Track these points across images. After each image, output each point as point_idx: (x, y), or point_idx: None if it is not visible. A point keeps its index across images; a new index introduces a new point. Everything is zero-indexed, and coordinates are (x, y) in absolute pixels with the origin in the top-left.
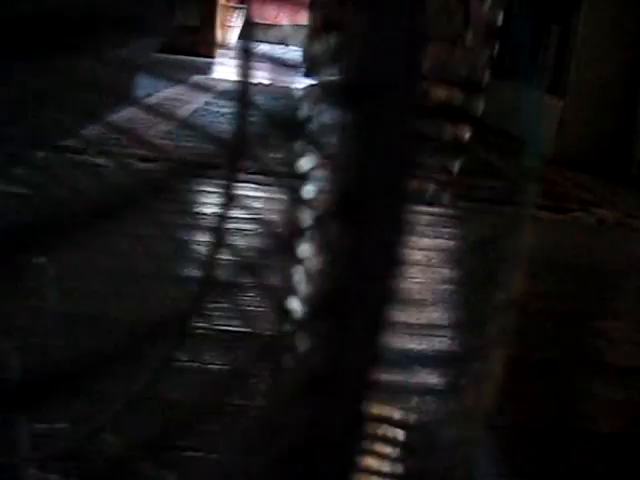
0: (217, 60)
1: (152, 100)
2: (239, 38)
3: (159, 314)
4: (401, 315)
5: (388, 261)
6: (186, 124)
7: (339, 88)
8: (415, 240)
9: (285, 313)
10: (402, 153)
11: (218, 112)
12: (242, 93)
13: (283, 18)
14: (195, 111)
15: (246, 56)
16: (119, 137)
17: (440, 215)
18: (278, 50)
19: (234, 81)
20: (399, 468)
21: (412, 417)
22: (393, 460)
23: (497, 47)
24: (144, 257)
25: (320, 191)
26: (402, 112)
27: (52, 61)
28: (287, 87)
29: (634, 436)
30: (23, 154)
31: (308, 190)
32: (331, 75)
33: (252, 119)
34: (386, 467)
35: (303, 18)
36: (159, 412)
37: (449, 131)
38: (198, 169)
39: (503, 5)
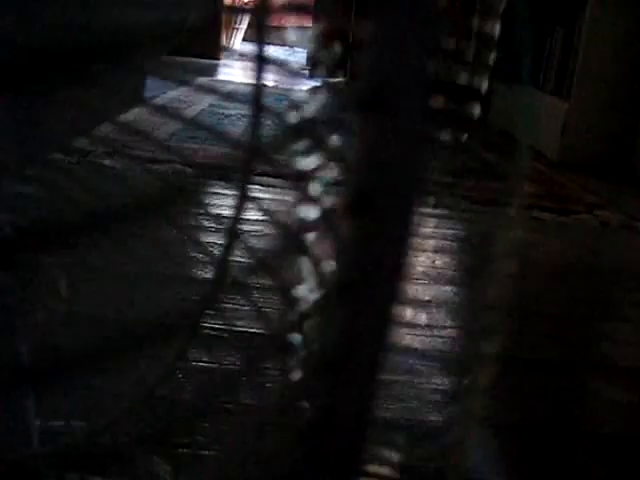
0: (222, 62)
1: (158, 101)
2: (250, 41)
3: (171, 312)
4: (405, 315)
5: (397, 255)
6: (200, 125)
7: (351, 94)
8: (419, 241)
9: (293, 303)
10: (412, 156)
11: (223, 114)
12: (256, 96)
13: (288, 21)
14: (200, 113)
15: (259, 59)
16: (129, 138)
17: (443, 217)
18: (283, 52)
19: (246, 84)
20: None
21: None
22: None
23: (496, 57)
24: (161, 259)
25: (327, 189)
26: (413, 118)
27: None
28: (292, 89)
29: (634, 436)
30: (38, 155)
31: (315, 188)
32: (336, 78)
33: (265, 122)
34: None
35: (308, 21)
36: (169, 410)
37: (449, 135)
38: (216, 172)
39: (502, 16)
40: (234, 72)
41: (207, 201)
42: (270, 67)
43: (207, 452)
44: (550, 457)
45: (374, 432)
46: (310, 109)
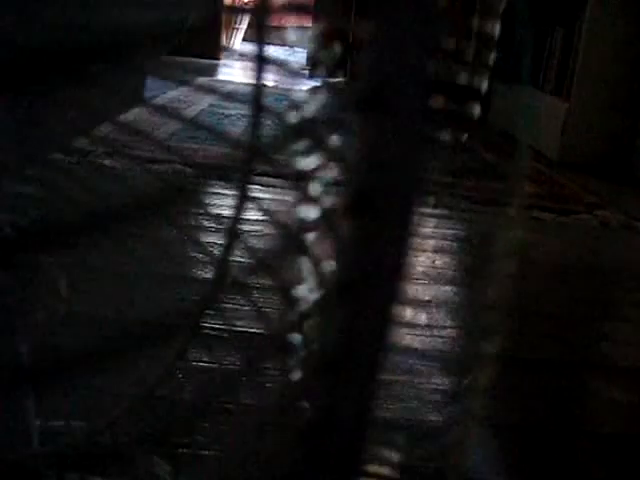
0: (222, 62)
1: (158, 101)
2: (250, 41)
3: (170, 312)
4: (406, 315)
5: (397, 255)
6: (200, 125)
7: (351, 94)
8: (419, 241)
9: (293, 302)
10: (412, 156)
11: (223, 114)
12: (256, 96)
13: (288, 20)
14: (200, 113)
15: (259, 59)
16: (129, 138)
17: (443, 217)
18: (283, 52)
19: (246, 84)
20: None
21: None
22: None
23: (496, 57)
24: (161, 259)
25: (326, 189)
26: (413, 118)
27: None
28: (292, 89)
29: (634, 436)
30: (38, 155)
31: (315, 188)
32: (336, 78)
33: (265, 122)
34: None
35: (308, 21)
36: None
37: (449, 135)
38: (216, 172)
39: (502, 16)
40: (234, 72)
41: (207, 201)
42: (270, 67)
43: (207, 452)
44: (550, 457)
45: (374, 432)
46: (310, 109)
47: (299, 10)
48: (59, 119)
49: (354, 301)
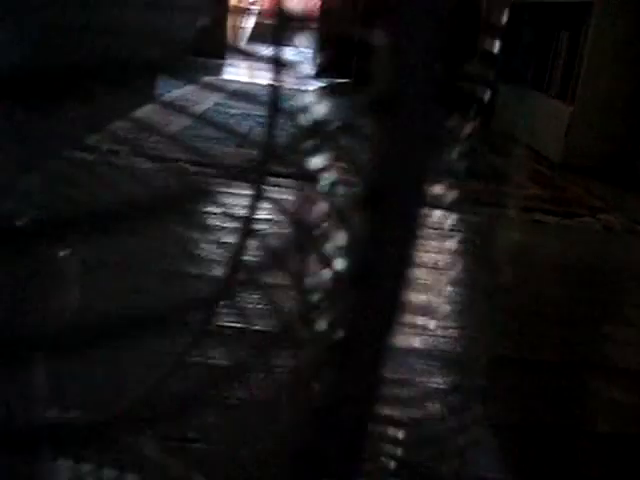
0: (227, 61)
1: (166, 100)
2: (255, 40)
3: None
4: (408, 316)
5: (405, 248)
6: (215, 124)
7: (363, 96)
8: (423, 242)
9: (303, 296)
10: (421, 156)
11: (228, 113)
12: (273, 97)
13: (296, 22)
14: (206, 111)
15: (276, 61)
16: (143, 135)
17: (446, 217)
18: (290, 53)
19: (253, 83)
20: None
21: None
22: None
23: (501, 48)
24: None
25: (337, 187)
26: (422, 119)
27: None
28: (299, 89)
29: (634, 436)
30: (55, 150)
31: (326, 186)
32: (342, 79)
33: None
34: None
35: (315, 23)
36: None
37: (457, 120)
38: (230, 171)
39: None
40: (239, 71)
41: (220, 199)
42: (283, 69)
43: (209, 446)
44: (550, 457)
45: (375, 431)
46: (318, 110)
47: (307, 14)
48: (74, 115)
49: (364, 291)
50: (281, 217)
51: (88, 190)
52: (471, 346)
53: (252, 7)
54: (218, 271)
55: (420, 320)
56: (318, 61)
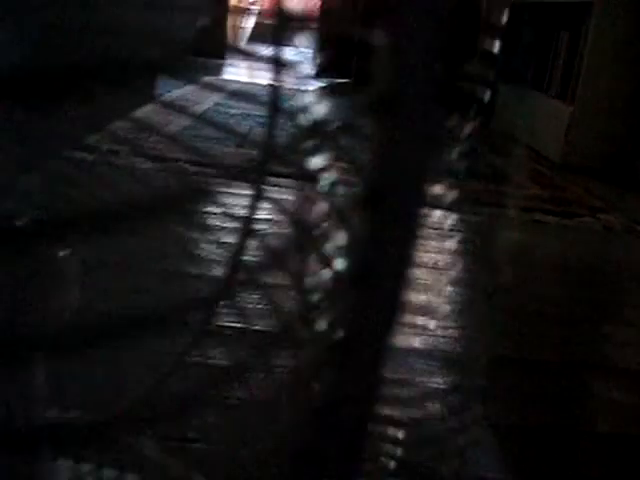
0: (227, 61)
1: (166, 99)
2: (255, 40)
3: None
4: (408, 316)
5: (406, 248)
6: (215, 124)
7: (363, 97)
8: (423, 242)
9: (304, 296)
10: (421, 156)
11: (228, 113)
12: (273, 97)
13: (296, 22)
14: (205, 111)
15: (276, 61)
16: (143, 135)
17: (446, 217)
18: (290, 53)
19: (252, 83)
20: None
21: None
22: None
23: (501, 48)
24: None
25: (337, 187)
26: (423, 120)
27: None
28: (300, 89)
29: (634, 436)
30: (55, 150)
31: (323, 186)
32: (342, 79)
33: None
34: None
35: (315, 23)
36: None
37: (457, 120)
38: (230, 171)
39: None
40: (239, 71)
41: (220, 199)
42: (281, 68)
43: (209, 446)
44: (550, 457)
45: (375, 431)
46: (318, 110)
47: (307, 14)
48: (75, 115)
49: (365, 290)
50: (281, 217)
51: (88, 190)
52: (471, 346)
53: (252, 7)
54: (218, 271)
55: (420, 320)
56: (318, 61)
